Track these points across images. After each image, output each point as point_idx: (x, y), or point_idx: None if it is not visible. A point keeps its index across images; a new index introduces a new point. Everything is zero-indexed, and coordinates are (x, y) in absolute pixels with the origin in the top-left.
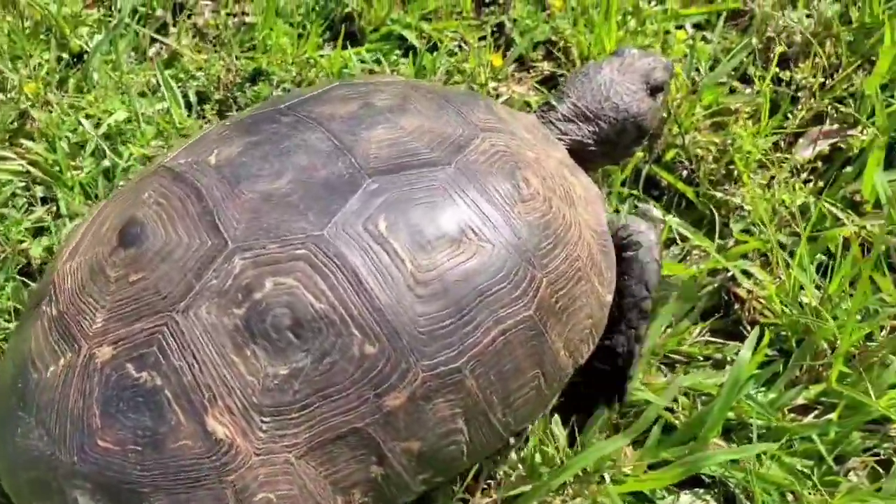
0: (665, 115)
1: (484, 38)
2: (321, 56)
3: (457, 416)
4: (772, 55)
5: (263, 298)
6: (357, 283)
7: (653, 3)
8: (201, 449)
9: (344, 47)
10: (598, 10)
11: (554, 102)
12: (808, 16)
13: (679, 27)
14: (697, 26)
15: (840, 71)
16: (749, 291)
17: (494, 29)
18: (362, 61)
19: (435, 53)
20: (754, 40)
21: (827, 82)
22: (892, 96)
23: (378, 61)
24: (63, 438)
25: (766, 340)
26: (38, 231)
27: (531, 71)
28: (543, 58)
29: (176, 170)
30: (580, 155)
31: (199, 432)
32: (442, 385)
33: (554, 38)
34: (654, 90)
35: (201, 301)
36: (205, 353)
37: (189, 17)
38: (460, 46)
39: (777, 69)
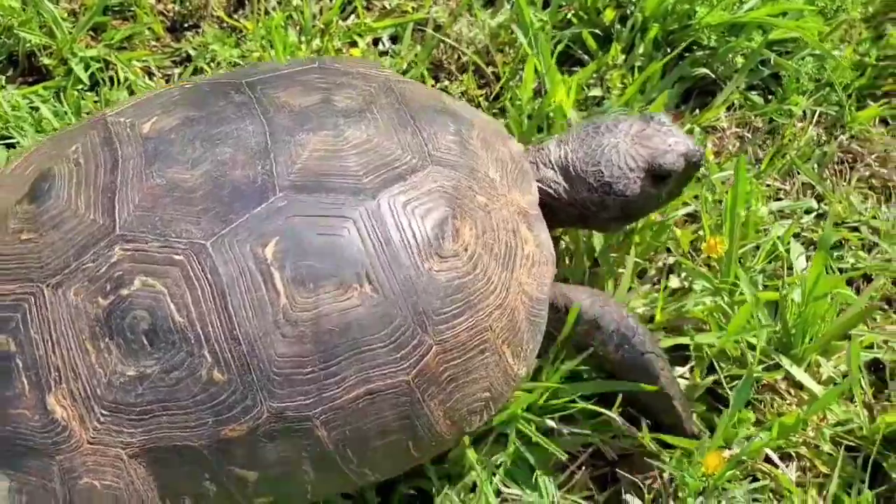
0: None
1: (178, 63)
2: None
3: (303, 459)
4: None
5: (129, 296)
6: (223, 306)
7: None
8: (37, 423)
9: (32, 83)
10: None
11: (552, 144)
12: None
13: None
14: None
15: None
16: None
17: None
18: (44, 100)
19: (116, 86)
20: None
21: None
22: None
23: (59, 96)
24: None
25: None
26: None
27: None
28: None
29: (110, 129)
30: (554, 207)
31: (39, 407)
32: (288, 429)
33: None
34: (658, 177)
35: (73, 281)
36: (62, 333)
37: None
38: (150, 75)
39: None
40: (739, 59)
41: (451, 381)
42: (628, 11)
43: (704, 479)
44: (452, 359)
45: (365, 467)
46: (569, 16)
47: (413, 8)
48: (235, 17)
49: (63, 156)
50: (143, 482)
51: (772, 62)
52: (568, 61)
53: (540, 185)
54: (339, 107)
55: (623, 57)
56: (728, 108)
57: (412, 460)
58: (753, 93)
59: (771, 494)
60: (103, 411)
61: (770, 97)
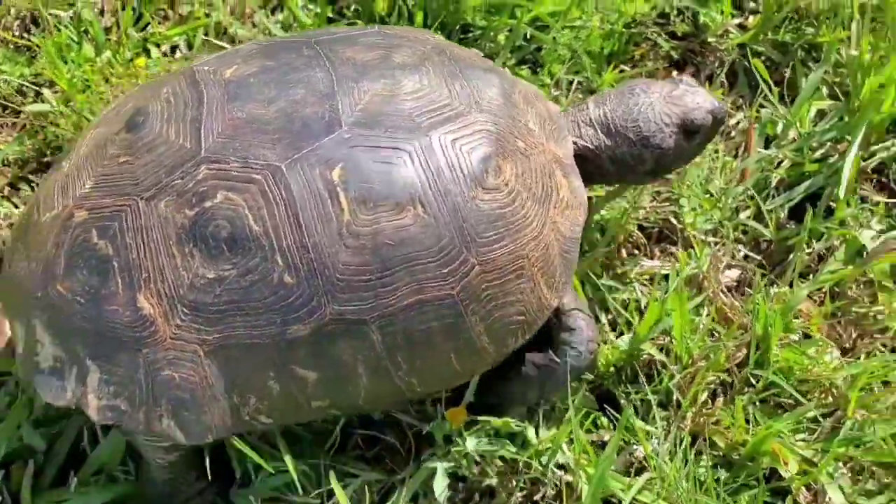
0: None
1: None
2: None
3: (358, 362)
4: None
5: (212, 208)
6: (295, 218)
7: None
8: (128, 318)
9: None
10: None
11: (590, 104)
12: None
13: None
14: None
15: None
16: None
17: None
18: None
19: None
20: None
21: None
22: None
23: None
24: (36, 273)
25: None
26: None
27: None
28: None
29: (196, 76)
30: (592, 163)
31: (130, 304)
32: (346, 331)
33: None
34: (689, 132)
35: (163, 195)
36: (153, 239)
37: None
38: None
39: None
40: (501, 37)
41: (490, 300)
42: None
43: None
44: (493, 279)
45: (413, 376)
46: (345, 9)
47: (206, 13)
48: (27, 36)
49: (155, 96)
50: (215, 377)
51: (529, 35)
52: None
53: (581, 141)
54: (396, 61)
55: None
56: None
57: (455, 375)
58: (523, 67)
59: None
60: (185, 310)
61: (539, 70)
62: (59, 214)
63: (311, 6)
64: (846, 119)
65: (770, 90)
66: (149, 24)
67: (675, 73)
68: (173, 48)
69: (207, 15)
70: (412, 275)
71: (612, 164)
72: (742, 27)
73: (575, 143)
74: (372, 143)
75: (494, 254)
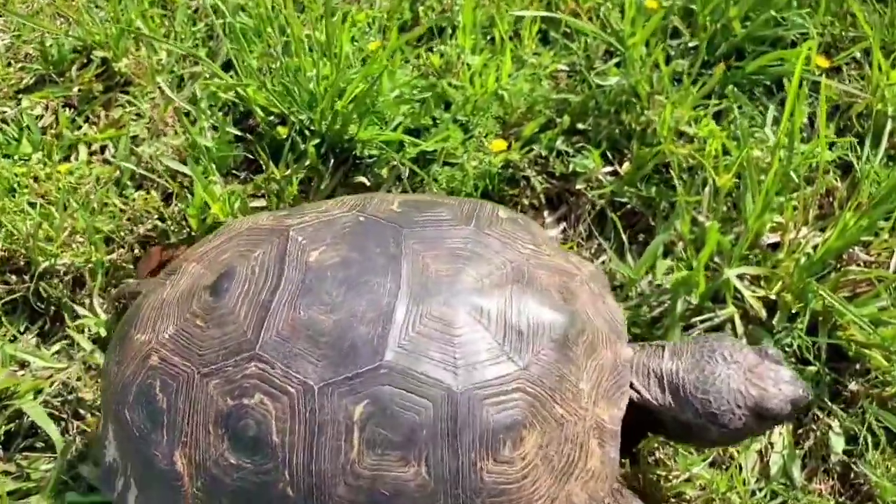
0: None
1: None
2: None
3: None
4: None
5: (248, 406)
6: (310, 442)
7: None
8: (165, 467)
9: None
10: None
11: (666, 352)
12: None
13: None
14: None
15: None
16: None
17: None
18: None
19: None
20: None
21: None
22: None
23: None
24: (117, 384)
25: None
26: None
27: None
28: None
29: (287, 248)
30: (654, 416)
31: (168, 456)
32: None
33: None
34: (761, 416)
35: (215, 377)
36: (197, 411)
37: None
38: None
39: None
40: (385, 170)
41: None
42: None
43: None
44: None
45: None
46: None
47: (132, 120)
48: None
49: (247, 257)
50: None
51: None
52: None
53: (646, 393)
54: (465, 284)
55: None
56: None
57: None
58: None
59: None
60: (206, 478)
61: None
62: (143, 344)
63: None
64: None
65: (622, 243)
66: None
67: (763, 346)
68: (102, 148)
69: (134, 119)
70: None
71: (675, 424)
72: (616, 174)
73: (638, 392)
74: (403, 386)
75: None
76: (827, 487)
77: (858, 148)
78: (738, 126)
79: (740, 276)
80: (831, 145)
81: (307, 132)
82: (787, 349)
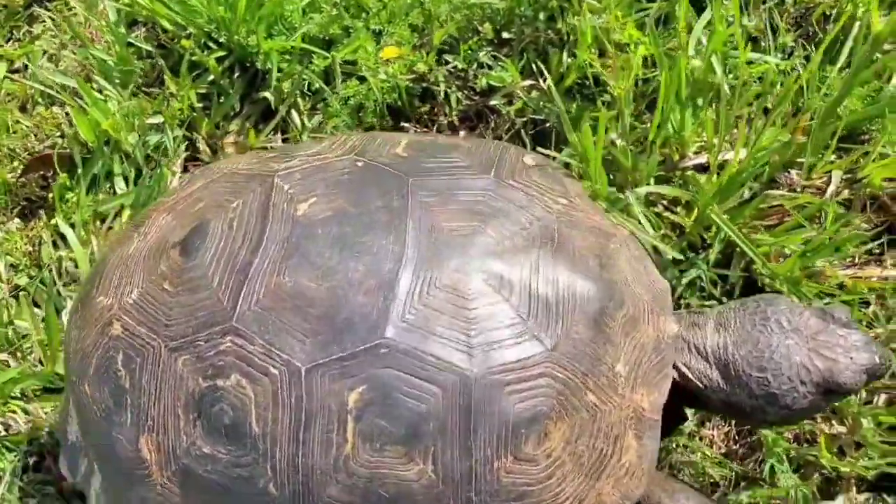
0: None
1: None
2: None
3: None
4: None
5: (222, 388)
6: (296, 434)
7: None
8: (130, 454)
9: None
10: None
11: (710, 324)
12: None
13: None
14: None
15: None
16: None
17: None
18: None
19: None
20: None
21: None
22: None
23: None
24: (78, 353)
25: None
26: None
27: None
28: None
29: (271, 197)
30: (698, 395)
31: (133, 442)
32: None
33: None
34: (830, 392)
35: (185, 352)
36: (164, 394)
37: None
38: None
39: None
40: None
41: None
42: None
43: None
44: None
45: None
46: None
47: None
48: None
49: (224, 209)
50: None
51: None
52: None
53: (689, 372)
54: (483, 246)
55: None
56: None
57: None
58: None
59: None
60: (177, 469)
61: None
62: (105, 309)
63: None
64: None
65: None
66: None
67: (817, 303)
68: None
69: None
70: None
71: (724, 406)
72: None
73: (679, 370)
74: (407, 369)
75: None
76: (720, 434)
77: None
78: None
79: (653, 201)
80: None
81: (212, 45)
82: (698, 284)
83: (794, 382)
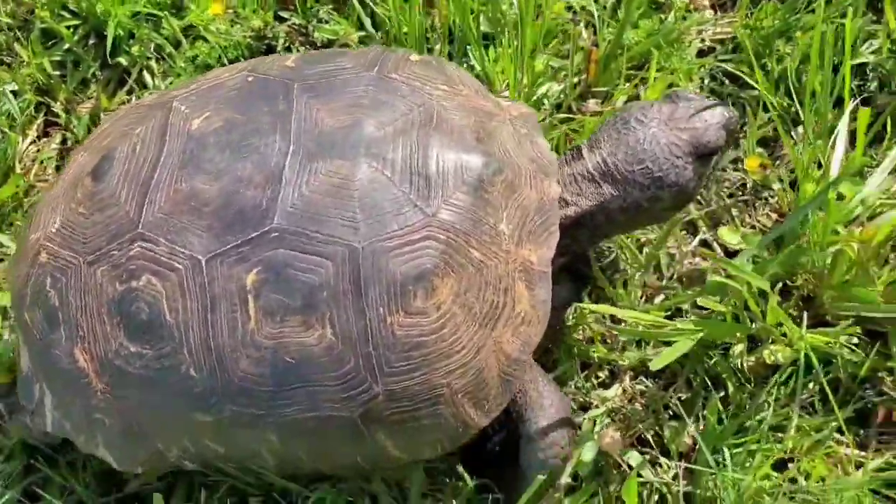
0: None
1: None
2: None
3: (261, 446)
4: None
5: (136, 289)
6: (204, 318)
7: None
8: (68, 366)
9: None
10: None
11: (584, 151)
12: None
13: None
14: None
15: None
16: None
17: None
18: None
19: None
20: None
21: None
22: None
23: None
24: (16, 286)
25: None
26: None
27: None
28: None
29: (169, 118)
30: (603, 218)
31: (70, 354)
32: (246, 425)
33: None
34: (704, 155)
35: (102, 263)
36: (89, 303)
37: None
38: None
39: None
40: None
41: (397, 423)
42: None
43: None
44: (400, 407)
45: (319, 464)
46: None
47: None
48: None
49: (129, 136)
50: (139, 426)
51: None
52: None
53: (584, 200)
54: (366, 134)
55: None
56: None
57: (364, 470)
58: None
59: None
60: (111, 372)
61: None
62: (34, 242)
63: None
64: None
65: None
66: None
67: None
68: None
69: None
70: (310, 395)
71: (624, 213)
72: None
73: (576, 204)
74: (298, 248)
75: (404, 384)
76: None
77: None
78: None
79: None
80: None
81: (66, 13)
82: None
83: (671, 159)
